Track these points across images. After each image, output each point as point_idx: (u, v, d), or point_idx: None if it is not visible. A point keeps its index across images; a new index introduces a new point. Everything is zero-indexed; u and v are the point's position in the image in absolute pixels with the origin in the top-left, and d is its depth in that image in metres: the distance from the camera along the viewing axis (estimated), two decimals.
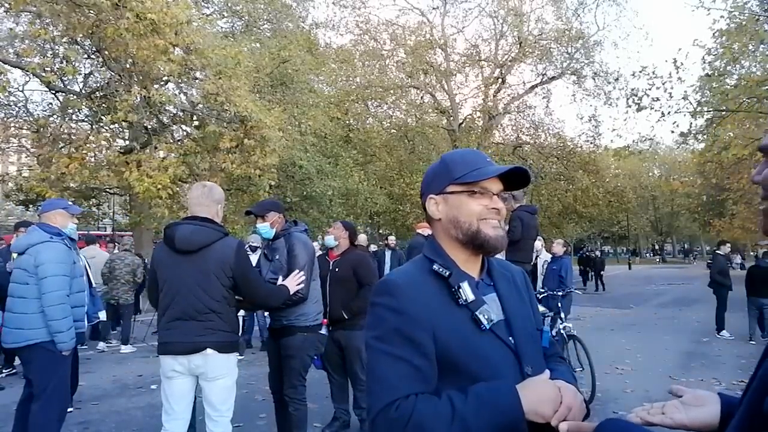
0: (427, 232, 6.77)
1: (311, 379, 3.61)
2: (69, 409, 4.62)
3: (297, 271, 3.26)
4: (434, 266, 1.17)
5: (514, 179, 1.23)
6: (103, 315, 6.35)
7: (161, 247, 2.92)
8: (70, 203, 3.86)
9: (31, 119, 13.47)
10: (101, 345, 7.78)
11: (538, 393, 1.03)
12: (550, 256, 7.62)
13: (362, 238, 9.81)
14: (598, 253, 21.98)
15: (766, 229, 0.76)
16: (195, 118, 11.80)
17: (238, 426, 2.96)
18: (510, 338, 1.16)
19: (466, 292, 1.14)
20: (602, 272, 19.98)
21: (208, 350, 2.73)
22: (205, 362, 2.75)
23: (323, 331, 3.55)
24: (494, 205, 1.18)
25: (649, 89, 14.63)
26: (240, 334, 4.56)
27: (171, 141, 12.29)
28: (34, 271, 3.25)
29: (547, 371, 1.12)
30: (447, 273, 1.15)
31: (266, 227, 3.46)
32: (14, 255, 5.82)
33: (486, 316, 1.13)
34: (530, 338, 1.21)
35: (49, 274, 3.24)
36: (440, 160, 1.27)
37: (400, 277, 1.18)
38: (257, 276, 2.98)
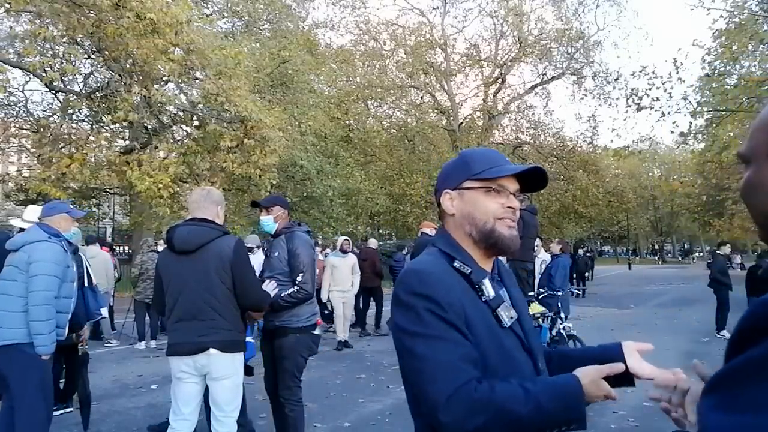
0: (432, 231, 6.78)
1: (311, 379, 3.62)
2: (69, 409, 4.65)
3: (268, 281, 3.27)
4: (455, 263, 1.15)
5: (531, 181, 1.23)
6: (105, 311, 6.35)
7: (164, 251, 2.95)
8: (72, 207, 3.78)
9: (32, 119, 13.50)
10: (141, 344, 7.88)
11: (593, 379, 1.04)
12: (549, 256, 7.61)
13: (373, 243, 10.38)
14: (582, 252, 19.75)
15: (760, 237, 0.77)
16: (195, 118, 11.79)
17: (238, 425, 2.96)
18: (523, 335, 1.18)
19: (488, 289, 1.14)
20: (586, 273, 18.42)
21: (212, 350, 2.72)
22: (209, 362, 2.75)
23: (317, 331, 3.54)
24: (510, 203, 1.17)
25: (649, 89, 14.65)
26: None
27: (171, 141, 12.30)
28: (25, 269, 3.13)
29: (620, 365, 1.10)
30: (468, 270, 1.15)
31: (269, 220, 3.45)
32: None
33: (507, 313, 1.13)
34: (535, 335, 1.23)
35: (40, 272, 3.12)
36: (459, 155, 1.26)
37: (429, 268, 1.15)
38: (254, 277, 2.96)
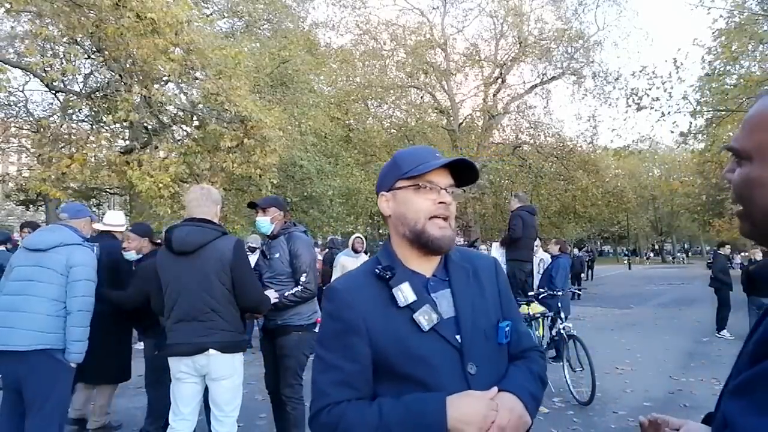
0: None
1: (311, 379, 3.62)
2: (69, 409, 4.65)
3: (270, 290, 3.28)
4: (376, 269, 1.16)
5: (466, 176, 1.22)
6: None
7: (162, 250, 2.94)
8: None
9: (32, 119, 13.48)
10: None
11: (465, 409, 0.99)
12: (548, 255, 7.61)
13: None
14: (577, 252, 19.21)
15: (742, 231, 0.76)
16: (195, 118, 11.79)
17: (238, 426, 2.97)
18: (456, 336, 1.12)
19: (406, 294, 1.12)
20: (581, 275, 17.87)
21: (211, 351, 2.73)
22: (209, 362, 2.76)
23: (318, 329, 3.57)
24: (442, 199, 1.17)
25: (649, 89, 14.64)
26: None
27: (171, 141, 12.29)
28: (63, 271, 2.96)
29: (494, 389, 1.08)
30: (388, 275, 1.14)
31: (266, 221, 3.46)
32: None
33: (426, 317, 1.10)
34: (482, 335, 1.16)
35: (83, 277, 3.00)
36: (392, 157, 1.27)
37: (342, 283, 1.19)
38: (253, 278, 2.97)
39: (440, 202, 1.16)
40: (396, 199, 1.20)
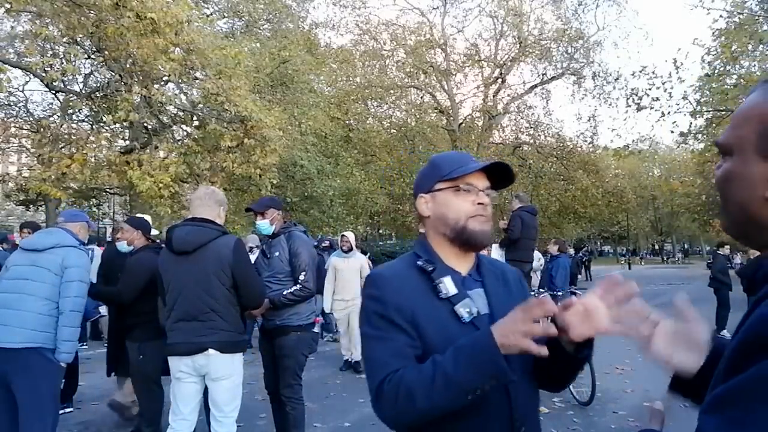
0: None
1: (311, 379, 3.63)
2: (69, 409, 4.66)
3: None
4: (418, 262, 1.22)
5: (500, 178, 1.28)
6: (103, 310, 6.33)
7: (164, 251, 2.96)
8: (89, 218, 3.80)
9: (32, 119, 13.49)
10: None
11: (505, 325, 1.01)
12: (539, 254, 7.57)
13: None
14: (572, 252, 18.73)
15: (722, 226, 0.76)
16: (195, 117, 11.79)
17: (238, 426, 2.97)
18: None
19: (448, 286, 1.18)
20: (578, 276, 17.97)
21: (210, 351, 2.73)
22: (208, 362, 2.76)
23: (316, 329, 3.59)
24: (480, 200, 1.23)
25: (649, 89, 14.64)
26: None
27: (171, 141, 12.30)
28: (57, 271, 3.00)
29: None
30: (430, 268, 1.20)
31: (266, 224, 3.48)
32: None
33: (467, 309, 1.16)
34: None
35: (76, 278, 3.04)
36: (429, 161, 1.33)
37: (385, 271, 1.25)
38: (255, 275, 2.99)
39: (479, 203, 1.23)
40: (435, 200, 1.26)
